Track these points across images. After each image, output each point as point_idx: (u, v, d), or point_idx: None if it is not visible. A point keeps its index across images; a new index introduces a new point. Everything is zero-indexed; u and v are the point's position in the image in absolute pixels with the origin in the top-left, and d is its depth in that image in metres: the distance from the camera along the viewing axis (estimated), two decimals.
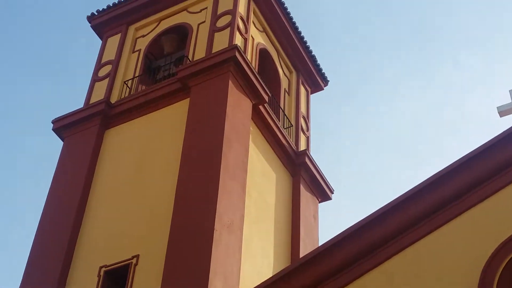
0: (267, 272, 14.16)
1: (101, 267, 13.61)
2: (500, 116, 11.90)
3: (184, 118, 15.20)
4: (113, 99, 17.02)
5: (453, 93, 39.93)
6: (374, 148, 39.83)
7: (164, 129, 15.53)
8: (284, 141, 16.94)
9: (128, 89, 17.28)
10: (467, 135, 38.15)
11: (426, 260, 10.22)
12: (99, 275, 13.51)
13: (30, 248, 14.76)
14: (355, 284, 10.53)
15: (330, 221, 35.01)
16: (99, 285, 13.36)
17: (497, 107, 11.96)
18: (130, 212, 14.26)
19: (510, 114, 11.73)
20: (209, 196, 13.23)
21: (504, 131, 10.84)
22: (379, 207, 10.86)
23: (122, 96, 17.09)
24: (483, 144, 10.85)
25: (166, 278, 12.39)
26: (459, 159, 10.85)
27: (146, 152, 15.29)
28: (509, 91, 11.97)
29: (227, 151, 14.10)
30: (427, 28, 40.95)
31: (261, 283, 11.12)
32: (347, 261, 10.72)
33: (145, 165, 15.02)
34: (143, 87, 17.35)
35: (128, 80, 17.51)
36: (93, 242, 14.26)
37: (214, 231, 12.57)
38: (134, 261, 13.24)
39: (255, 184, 15.24)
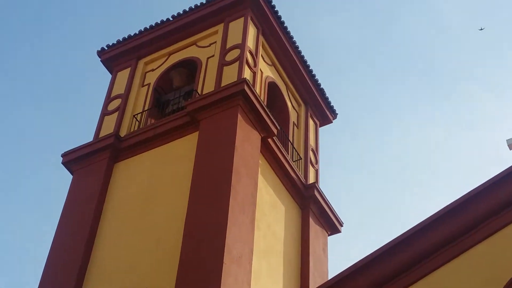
0: None
1: None
2: (510, 149, 11.88)
3: (193, 151, 15.23)
4: (123, 132, 17.08)
5: (461, 125, 39.98)
6: (382, 180, 39.81)
7: (173, 163, 15.55)
8: (293, 174, 16.92)
9: (137, 123, 17.35)
10: (477, 168, 38.07)
11: None
12: None
13: (39, 280, 14.71)
14: None
15: (339, 254, 34.84)
16: None
17: (506, 140, 11.94)
18: (139, 246, 14.23)
19: None
20: (218, 229, 13.19)
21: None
22: (389, 240, 10.82)
23: (132, 130, 17.15)
24: (494, 177, 10.82)
25: None
26: (471, 190, 10.80)
27: (155, 186, 15.30)
28: None
29: (236, 184, 14.09)
30: (435, 61, 41.11)
31: None
32: None
33: (154, 198, 15.01)
34: (152, 121, 17.42)
35: (137, 114, 17.59)
36: (102, 275, 14.21)
37: (223, 265, 12.51)
38: None
39: (264, 217, 15.20)
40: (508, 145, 11.93)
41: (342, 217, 18.01)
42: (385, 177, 39.73)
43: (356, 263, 10.84)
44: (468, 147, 39.72)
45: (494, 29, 41.16)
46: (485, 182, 10.79)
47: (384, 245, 10.80)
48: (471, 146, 39.63)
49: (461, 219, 10.66)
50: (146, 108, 17.75)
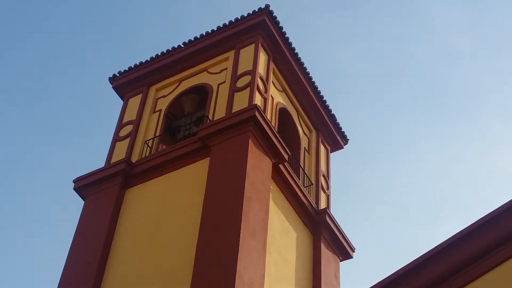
0: None
1: None
2: None
3: (204, 177, 15.25)
4: (134, 158, 17.14)
5: (472, 152, 39.88)
6: (393, 206, 39.67)
7: (184, 189, 15.57)
8: (304, 200, 16.90)
9: (148, 149, 17.41)
10: (489, 194, 37.90)
11: None
12: None
13: None
14: None
15: (352, 280, 34.67)
16: None
17: None
18: (150, 271, 14.20)
19: None
20: (229, 255, 13.17)
21: None
22: (404, 264, 10.73)
23: (143, 156, 17.21)
24: (506, 203, 10.74)
25: None
26: (481, 218, 10.72)
27: (166, 212, 15.31)
28: None
29: (247, 210, 14.08)
30: (447, 88, 41.14)
31: None
32: None
33: (165, 224, 15.02)
34: (164, 147, 17.48)
35: (148, 140, 17.66)
36: None
37: None
38: None
39: (275, 243, 15.16)
40: None
41: (353, 243, 17.97)
42: (396, 204, 39.63)
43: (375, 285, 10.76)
44: (479, 174, 39.60)
45: (503, 56, 41.21)
46: (496, 209, 10.70)
47: (397, 271, 10.71)
48: (482, 173, 39.51)
49: (472, 247, 10.56)
50: (157, 134, 17.82)
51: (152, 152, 17.21)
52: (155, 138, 17.68)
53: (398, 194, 40.33)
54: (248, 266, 13.25)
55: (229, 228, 13.72)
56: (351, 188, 39.36)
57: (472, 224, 10.62)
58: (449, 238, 10.64)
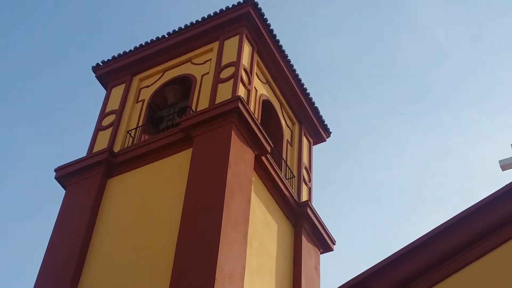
0: None
1: None
2: (502, 170, 11.88)
3: (187, 168, 15.24)
4: (116, 148, 17.10)
5: (454, 147, 40.11)
6: (375, 199, 39.87)
7: (166, 179, 15.55)
8: (286, 192, 16.95)
9: (131, 139, 17.37)
10: (469, 189, 38.17)
11: None
12: None
13: None
14: None
15: (332, 272, 34.84)
16: None
17: (499, 161, 11.95)
18: (131, 261, 14.20)
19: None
20: (210, 246, 13.19)
21: (505, 185, 10.80)
22: (384, 258, 10.79)
23: (125, 146, 17.17)
24: (485, 198, 10.80)
25: None
26: (461, 213, 10.78)
27: (148, 202, 15.30)
28: (511, 145, 11.98)
29: (229, 201, 14.10)
30: (429, 83, 41.33)
31: None
32: None
33: (147, 214, 15.01)
34: (146, 137, 17.44)
35: (131, 130, 17.61)
36: None
37: (215, 282, 12.49)
38: None
39: (256, 235, 15.20)
40: (500, 166, 11.93)
41: (334, 235, 18.05)
42: (377, 197, 39.82)
43: (346, 282, 10.82)
44: (461, 168, 39.87)
45: (485, 51, 41.45)
46: (477, 202, 10.78)
47: (376, 264, 10.78)
48: (464, 167, 39.78)
49: (452, 240, 10.63)
50: (140, 124, 17.77)
51: (134, 142, 17.17)
52: (138, 128, 17.64)
53: (379, 187, 40.55)
54: (229, 257, 13.28)
55: (210, 219, 13.73)
56: (333, 181, 39.53)
57: (450, 219, 10.71)
58: (426, 234, 10.72)
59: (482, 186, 36.58)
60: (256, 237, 15.16)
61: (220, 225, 13.47)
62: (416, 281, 10.49)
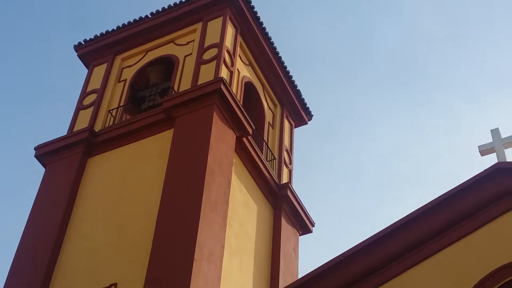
0: None
1: None
2: (481, 155, 12.02)
3: (168, 148, 15.23)
4: (97, 127, 17.05)
5: (435, 132, 40.33)
6: (355, 182, 40.10)
7: (147, 159, 15.55)
8: (266, 174, 17.01)
9: (112, 118, 17.32)
10: (448, 173, 38.44)
11: None
12: None
13: (7, 273, 14.64)
14: None
15: (311, 254, 35.05)
16: None
17: (478, 146, 12.08)
18: (110, 241, 14.21)
19: (491, 153, 11.85)
20: (189, 226, 13.22)
21: (484, 170, 10.93)
22: (361, 241, 10.91)
23: (106, 125, 17.12)
24: (463, 183, 10.93)
25: None
26: (439, 197, 10.90)
27: (128, 182, 15.29)
28: (490, 131, 12.11)
29: (210, 182, 14.13)
30: (411, 67, 41.48)
31: None
32: None
33: (127, 194, 15.01)
34: (128, 117, 17.40)
35: (112, 109, 17.57)
36: (71, 269, 14.16)
37: (194, 262, 12.53)
38: None
39: (236, 216, 15.26)
40: (479, 151, 12.07)
41: (314, 218, 18.16)
42: (357, 180, 40.02)
43: (324, 264, 10.92)
44: (440, 153, 40.10)
45: (467, 36, 41.61)
46: (454, 188, 10.90)
47: (355, 246, 10.89)
48: (443, 152, 40.01)
49: (429, 224, 10.76)
50: (121, 104, 17.73)
51: (115, 122, 17.13)
52: (119, 108, 17.59)
53: (360, 170, 40.73)
54: (208, 238, 13.33)
55: (190, 200, 13.76)
56: (314, 163, 39.65)
57: (419, 207, 10.81)
58: (399, 220, 10.83)
59: (461, 170, 36.85)
60: (236, 218, 15.22)
61: (200, 206, 13.50)
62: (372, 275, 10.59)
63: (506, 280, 9.67)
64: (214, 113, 15.30)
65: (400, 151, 40.12)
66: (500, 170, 10.75)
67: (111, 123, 17.13)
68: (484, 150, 11.92)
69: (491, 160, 11.85)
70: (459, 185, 10.90)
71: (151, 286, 12.56)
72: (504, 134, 11.83)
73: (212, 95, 15.57)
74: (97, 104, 17.74)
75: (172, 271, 12.59)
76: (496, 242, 10.22)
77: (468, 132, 38.63)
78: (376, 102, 42.03)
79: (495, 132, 11.92)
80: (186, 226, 13.28)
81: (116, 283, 13.24)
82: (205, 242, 13.13)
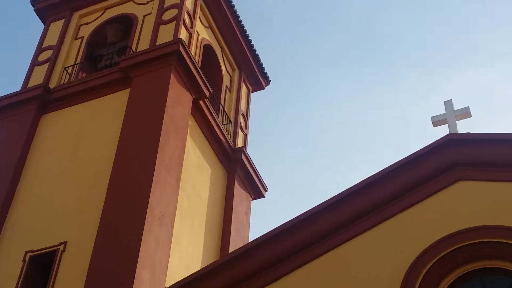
0: (196, 266, 14.20)
1: (26, 252, 13.43)
2: (434, 126, 12.13)
3: (123, 108, 15.12)
4: (52, 84, 16.83)
5: (390, 102, 40.69)
6: (308, 149, 40.40)
7: (102, 118, 15.42)
8: (221, 137, 17.00)
9: (68, 76, 17.10)
10: (401, 143, 38.92)
11: (352, 262, 10.30)
12: (24, 260, 13.33)
13: None
14: (281, 281, 10.61)
15: (262, 218, 35.38)
16: (24, 271, 13.18)
17: (431, 117, 12.20)
18: (61, 199, 14.12)
19: (444, 124, 11.97)
20: (142, 187, 13.19)
21: (435, 141, 11.03)
22: (309, 208, 10.98)
23: (62, 82, 16.90)
24: (414, 152, 11.02)
25: (92, 266, 12.29)
26: (390, 166, 10.99)
27: (82, 140, 15.16)
28: (444, 102, 12.22)
29: (164, 144, 14.07)
30: (369, 37, 41.63)
31: (187, 277, 11.11)
32: (274, 259, 10.79)
33: (80, 152, 14.89)
34: (84, 75, 17.20)
35: (68, 67, 17.33)
36: (21, 226, 14.06)
37: (145, 223, 12.54)
38: (61, 247, 13.12)
39: (189, 178, 15.26)
40: (432, 122, 12.18)
41: (267, 183, 18.26)
42: (311, 147, 40.36)
43: (274, 229, 10.98)
44: (394, 123, 40.54)
45: (426, 11, 41.83)
46: (405, 158, 10.98)
47: (302, 213, 10.94)
48: (397, 122, 40.46)
49: (380, 192, 10.85)
50: (78, 61, 17.50)
51: (71, 79, 16.92)
52: (76, 65, 17.36)
53: (314, 136, 41.06)
54: (161, 199, 13.32)
55: (144, 161, 13.71)
56: (269, 129, 39.85)
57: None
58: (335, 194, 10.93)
59: (414, 141, 37.35)
60: (189, 181, 15.22)
61: (154, 168, 13.46)
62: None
63: (452, 249, 9.81)
64: (172, 75, 15.20)
65: (355, 120, 40.48)
66: (451, 141, 10.85)
67: (66, 81, 16.92)
68: (437, 121, 12.02)
69: (443, 131, 11.98)
70: (411, 154, 10.98)
71: (101, 245, 12.54)
72: (456, 106, 11.95)
73: (170, 56, 15.46)
74: (52, 61, 17.47)
75: (123, 231, 12.58)
76: (444, 211, 10.34)
77: (423, 104, 39.07)
78: (333, 71, 42.26)
79: (448, 104, 12.03)
80: (138, 187, 13.24)
81: (66, 242, 13.19)
82: (157, 203, 13.11)
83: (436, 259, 9.76)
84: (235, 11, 19.35)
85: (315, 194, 38.77)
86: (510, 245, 9.45)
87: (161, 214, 13.14)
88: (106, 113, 15.48)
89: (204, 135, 16.52)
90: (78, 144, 15.13)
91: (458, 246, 9.77)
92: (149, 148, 13.91)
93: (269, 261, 10.81)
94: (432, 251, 9.89)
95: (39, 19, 19.37)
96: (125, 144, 14.29)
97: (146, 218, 12.61)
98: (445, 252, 9.81)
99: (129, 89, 15.53)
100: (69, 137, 15.41)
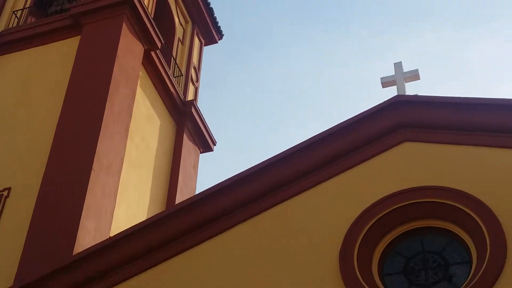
0: (142, 216, 14.22)
1: None
2: (383, 87, 12.27)
3: (73, 56, 14.90)
4: (0, 28, 16.46)
5: (342, 60, 40.95)
6: (260, 106, 40.48)
7: (50, 64, 15.18)
8: (172, 90, 16.91)
9: (16, 20, 16.74)
10: (351, 102, 39.32)
11: (295, 219, 10.38)
12: None
13: None
14: (225, 235, 10.67)
15: (210, 172, 35.55)
16: None
17: (380, 78, 12.32)
18: (6, 144, 13.92)
19: (393, 85, 12.11)
20: (90, 136, 13.07)
21: (383, 102, 11.15)
22: (254, 165, 11.05)
23: (10, 26, 16.55)
24: (361, 112, 11.12)
25: (36, 213, 12.20)
26: (337, 124, 11.08)
27: (29, 85, 14.92)
28: (394, 64, 12.34)
29: (114, 93, 13.94)
30: None
31: (132, 226, 11.13)
32: (219, 213, 10.85)
33: (27, 98, 14.66)
34: (33, 19, 16.85)
35: (17, 11, 16.96)
36: None
37: (92, 171, 12.47)
38: (5, 193, 12.98)
39: (138, 129, 15.19)
40: (381, 83, 12.31)
41: (216, 137, 18.31)
42: (262, 102, 40.46)
43: (221, 182, 11.05)
44: (345, 82, 40.84)
45: None
46: (353, 117, 11.08)
47: (248, 168, 11.00)
48: (348, 81, 40.77)
49: (327, 150, 10.94)
50: (27, 5, 17.12)
51: (20, 24, 16.57)
52: (25, 10, 16.98)
53: (266, 92, 41.15)
54: (108, 149, 13.24)
55: (92, 109, 13.56)
56: (222, 84, 39.73)
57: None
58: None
59: (364, 101, 37.74)
60: (138, 132, 15.15)
61: (102, 117, 13.34)
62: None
63: (394, 207, 9.98)
64: (124, 24, 14.99)
65: (307, 78, 40.65)
66: (399, 103, 10.97)
67: (15, 25, 16.56)
68: (386, 82, 12.14)
69: (392, 92, 12.13)
70: (358, 114, 11.06)
71: (46, 193, 12.45)
72: (406, 68, 12.08)
73: (122, 5, 15.23)
74: (1, 4, 17.06)
75: (69, 179, 12.48)
76: (388, 171, 10.48)
77: (373, 65, 39.40)
78: (288, 27, 42.17)
79: (397, 66, 12.14)
80: (86, 135, 13.13)
81: (10, 188, 13.06)
82: (104, 153, 13.04)
83: (378, 217, 9.93)
84: None
85: (266, 150, 39.00)
86: (451, 206, 9.67)
87: (109, 163, 13.08)
88: (55, 60, 15.24)
89: (155, 87, 16.41)
90: (25, 89, 14.89)
91: (400, 205, 9.95)
92: (98, 96, 13.76)
93: (214, 215, 10.89)
94: (375, 210, 10.05)
95: None
96: (73, 91, 14.10)
97: (93, 167, 12.53)
98: (387, 211, 9.98)
99: (79, 36, 15.28)
100: (16, 82, 15.15)
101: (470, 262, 9.42)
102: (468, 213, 9.49)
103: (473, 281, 8.81)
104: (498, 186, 9.61)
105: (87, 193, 12.17)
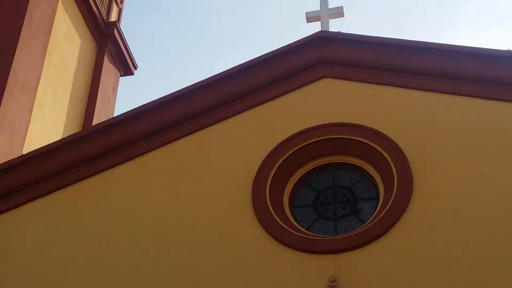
0: (57, 135, 14.03)
1: None
2: (307, 22, 12.30)
3: None
4: None
5: None
6: (183, 33, 40.13)
7: None
8: (95, 9, 16.46)
9: None
10: (275, 35, 39.31)
11: (209, 148, 10.39)
12: None
13: None
14: (138, 160, 10.67)
15: (129, 95, 35.28)
16: None
17: (305, 13, 12.33)
18: None
19: (317, 21, 12.15)
20: (6, 50, 12.71)
21: (306, 37, 11.18)
22: (172, 91, 10.99)
23: None
24: (283, 46, 11.11)
25: None
26: (258, 57, 11.04)
27: None
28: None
29: (33, 9, 13.49)
30: None
31: (44, 146, 10.97)
32: (135, 137, 10.80)
33: None
34: None
35: None
36: None
37: (6, 87, 12.18)
38: None
39: (57, 47, 14.81)
40: (306, 18, 12.33)
41: (138, 61, 18.07)
42: (188, 29, 40.07)
43: (140, 106, 10.99)
44: (270, 15, 40.69)
45: None
46: (274, 50, 11.04)
47: (166, 95, 10.95)
48: (273, 14, 40.63)
49: (244, 82, 10.92)
50: None
51: None
52: None
53: (191, 20, 40.72)
54: (25, 65, 12.91)
55: (9, 24, 13.12)
56: (148, 7, 39.06)
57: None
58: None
59: (288, 35, 37.75)
60: (57, 50, 14.79)
61: (20, 32, 12.95)
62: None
63: (308, 142, 10.12)
64: None
65: (233, 8, 40.31)
66: (321, 38, 11.00)
67: None
68: (310, 17, 12.18)
69: (316, 28, 12.16)
70: (279, 48, 11.06)
71: None
72: (331, 5, 12.12)
73: None
74: None
75: None
76: (305, 106, 10.54)
77: None
78: None
79: (323, 1, 12.18)
80: (2, 50, 12.75)
81: None
82: (21, 68, 12.72)
83: (292, 151, 10.07)
84: None
85: (188, 78, 38.80)
86: (363, 143, 9.88)
87: (24, 79, 12.78)
88: None
89: (77, 5, 15.92)
90: None
91: (314, 140, 10.10)
92: (16, 11, 13.31)
93: (131, 138, 10.84)
94: (289, 144, 10.16)
95: None
96: None
97: (8, 83, 12.23)
98: (301, 145, 10.12)
99: None
100: None
101: (377, 198, 9.70)
102: (379, 151, 9.72)
103: (378, 217, 9.09)
104: (410, 126, 9.85)
105: (0, 108, 11.90)
